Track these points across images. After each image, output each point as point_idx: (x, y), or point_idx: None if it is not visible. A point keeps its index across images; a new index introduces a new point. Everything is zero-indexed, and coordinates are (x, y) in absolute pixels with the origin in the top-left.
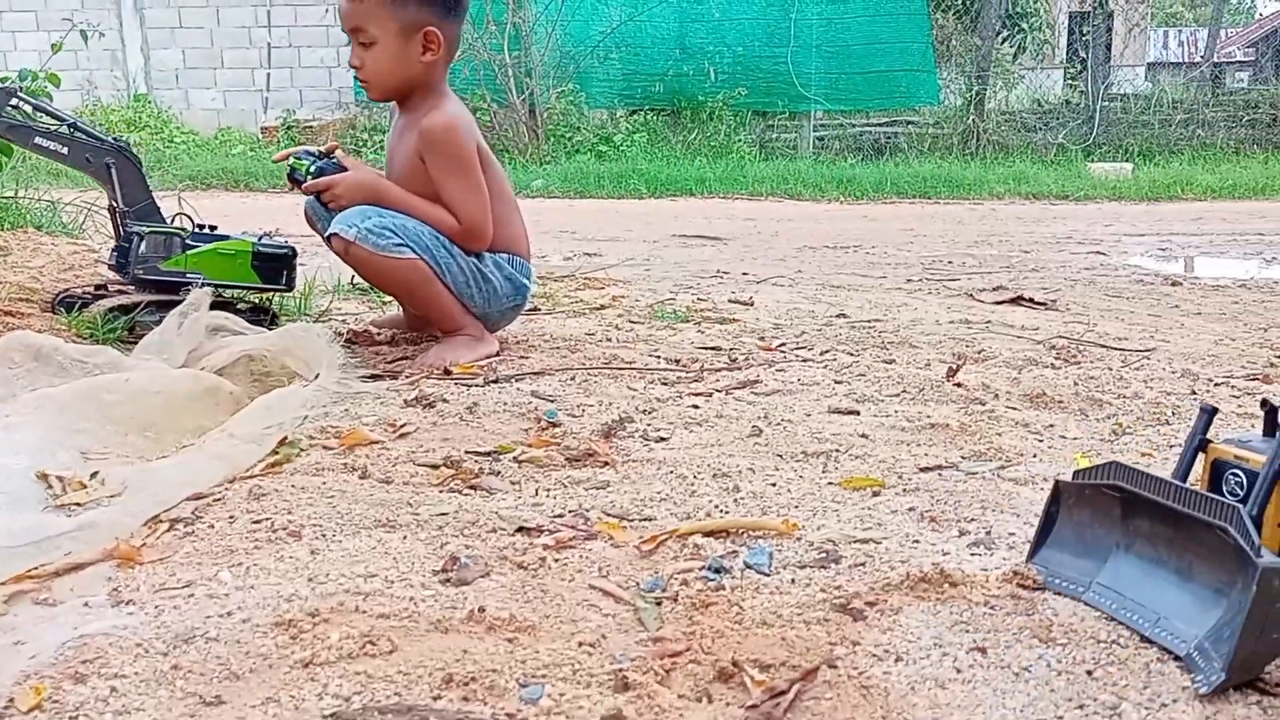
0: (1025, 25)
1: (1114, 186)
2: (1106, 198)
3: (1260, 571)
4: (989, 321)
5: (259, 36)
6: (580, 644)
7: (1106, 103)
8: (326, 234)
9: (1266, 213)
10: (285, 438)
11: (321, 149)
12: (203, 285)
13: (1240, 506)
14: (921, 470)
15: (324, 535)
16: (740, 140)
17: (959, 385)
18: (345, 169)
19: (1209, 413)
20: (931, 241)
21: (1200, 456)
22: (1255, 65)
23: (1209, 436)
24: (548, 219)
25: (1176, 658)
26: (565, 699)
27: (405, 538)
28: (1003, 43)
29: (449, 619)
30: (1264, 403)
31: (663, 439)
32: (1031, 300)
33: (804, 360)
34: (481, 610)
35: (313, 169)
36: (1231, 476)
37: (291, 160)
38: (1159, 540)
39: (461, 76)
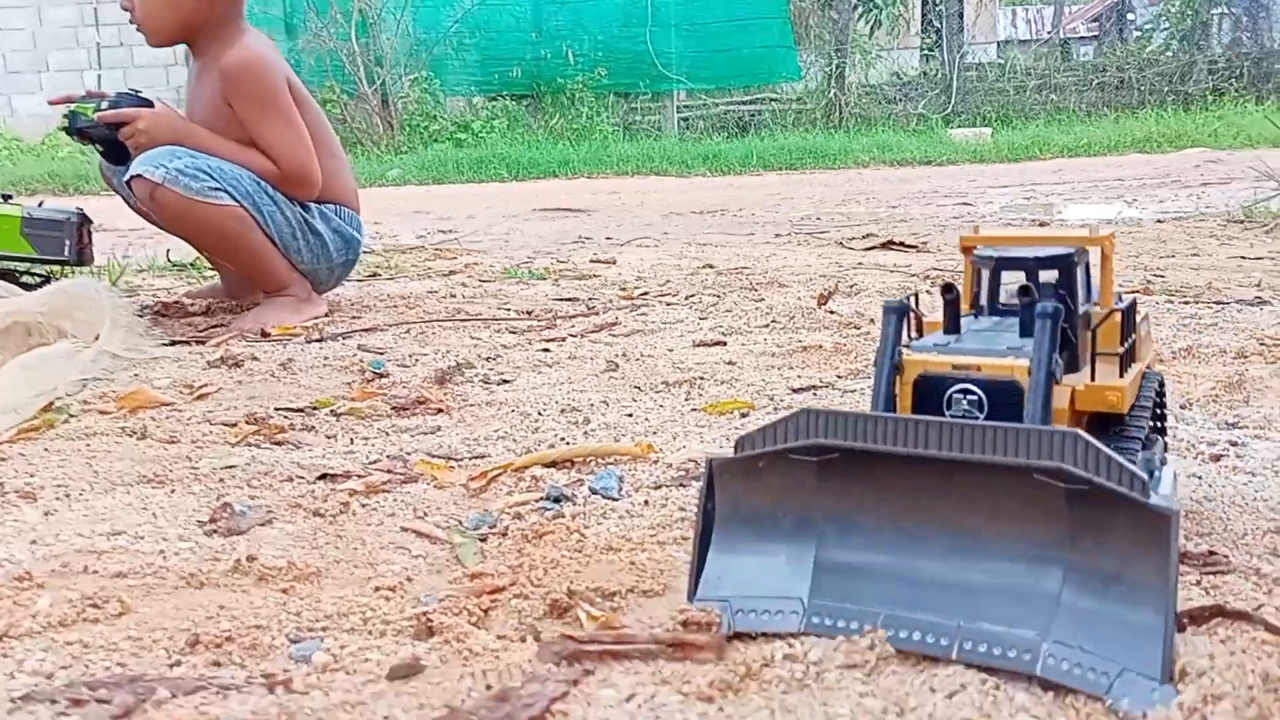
0: (880, 1)
1: (975, 150)
2: (969, 160)
3: (1173, 516)
4: (860, 263)
5: (87, 36)
6: (377, 589)
7: (963, 72)
8: (127, 177)
9: (1121, 164)
10: (51, 403)
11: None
12: None
13: (1079, 432)
14: (794, 391)
15: (67, 496)
16: (603, 122)
17: (832, 313)
18: (149, 103)
19: (897, 312)
20: (799, 203)
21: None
22: (1098, 39)
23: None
24: (401, 204)
25: (1027, 678)
26: (348, 653)
27: (174, 492)
28: (859, 19)
29: (206, 572)
30: (947, 287)
31: (506, 382)
32: (902, 244)
33: (668, 304)
34: (250, 559)
35: (104, 106)
36: (960, 396)
37: (75, 105)
38: (906, 513)
39: (307, 66)
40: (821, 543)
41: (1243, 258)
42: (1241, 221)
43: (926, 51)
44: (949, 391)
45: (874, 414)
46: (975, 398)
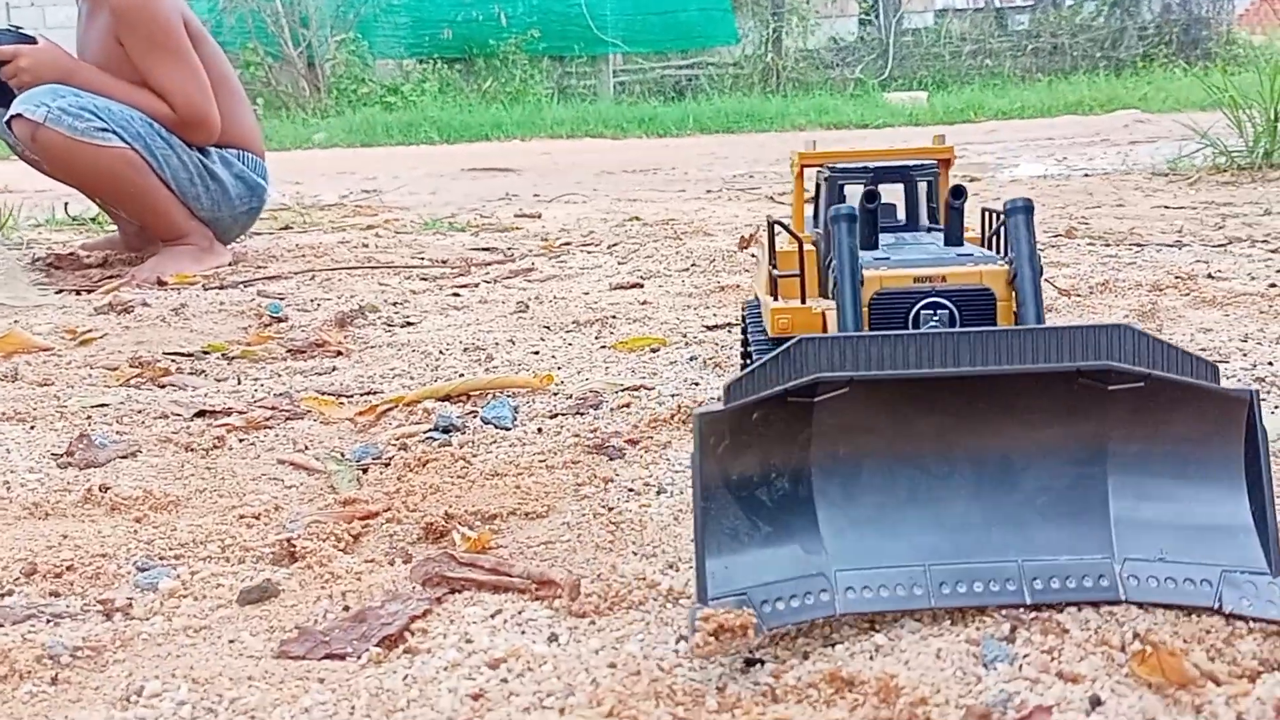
0: None
1: (911, 114)
2: (904, 123)
3: (1253, 396)
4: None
5: None
6: (241, 517)
7: (900, 37)
8: (6, 118)
9: (1054, 125)
10: None
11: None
12: None
13: (1130, 324)
14: (708, 328)
15: None
16: (537, 85)
17: (754, 256)
18: (32, 40)
19: (848, 219)
20: (734, 163)
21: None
22: (1033, 8)
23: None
24: (326, 165)
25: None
26: (199, 579)
27: (34, 429)
28: None
29: (54, 502)
30: (869, 195)
31: (410, 324)
32: None
33: (588, 253)
34: (104, 489)
35: None
36: (929, 312)
37: None
38: (920, 447)
39: (228, 27)
40: (826, 500)
41: (1165, 207)
42: (1166, 175)
43: (864, 17)
44: (915, 309)
45: (886, 335)
46: (946, 312)
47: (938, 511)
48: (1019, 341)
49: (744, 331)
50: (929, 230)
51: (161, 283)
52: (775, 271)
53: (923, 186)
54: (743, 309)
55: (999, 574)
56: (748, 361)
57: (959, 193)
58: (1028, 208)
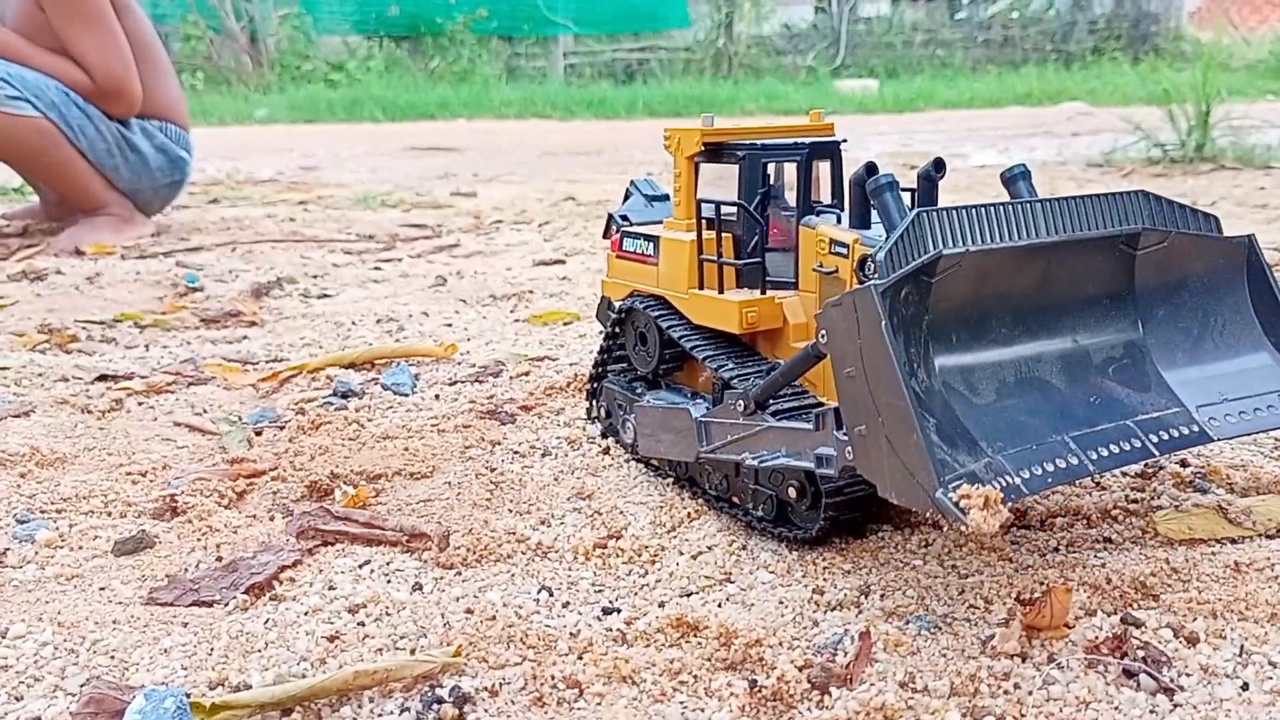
0: None
1: (861, 102)
2: (854, 111)
3: (1250, 239)
4: None
5: None
6: (127, 474)
7: (852, 25)
8: None
9: (1000, 116)
10: None
11: None
12: None
13: (1145, 190)
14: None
15: None
16: (485, 65)
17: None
18: None
19: (889, 187)
20: None
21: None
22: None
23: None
24: (264, 142)
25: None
26: (77, 531)
27: None
28: None
29: None
30: (869, 167)
31: (327, 296)
32: None
33: (517, 230)
34: None
35: None
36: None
37: None
38: (1017, 323)
39: None
40: (955, 395)
41: None
42: (1100, 166)
43: (819, 6)
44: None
45: (989, 204)
46: None
47: (1044, 390)
48: (1076, 209)
49: (611, 336)
50: (830, 209)
51: (79, 252)
52: (728, 261)
53: (827, 165)
54: (610, 308)
55: (1122, 434)
56: (618, 373)
57: (939, 165)
58: (1025, 172)
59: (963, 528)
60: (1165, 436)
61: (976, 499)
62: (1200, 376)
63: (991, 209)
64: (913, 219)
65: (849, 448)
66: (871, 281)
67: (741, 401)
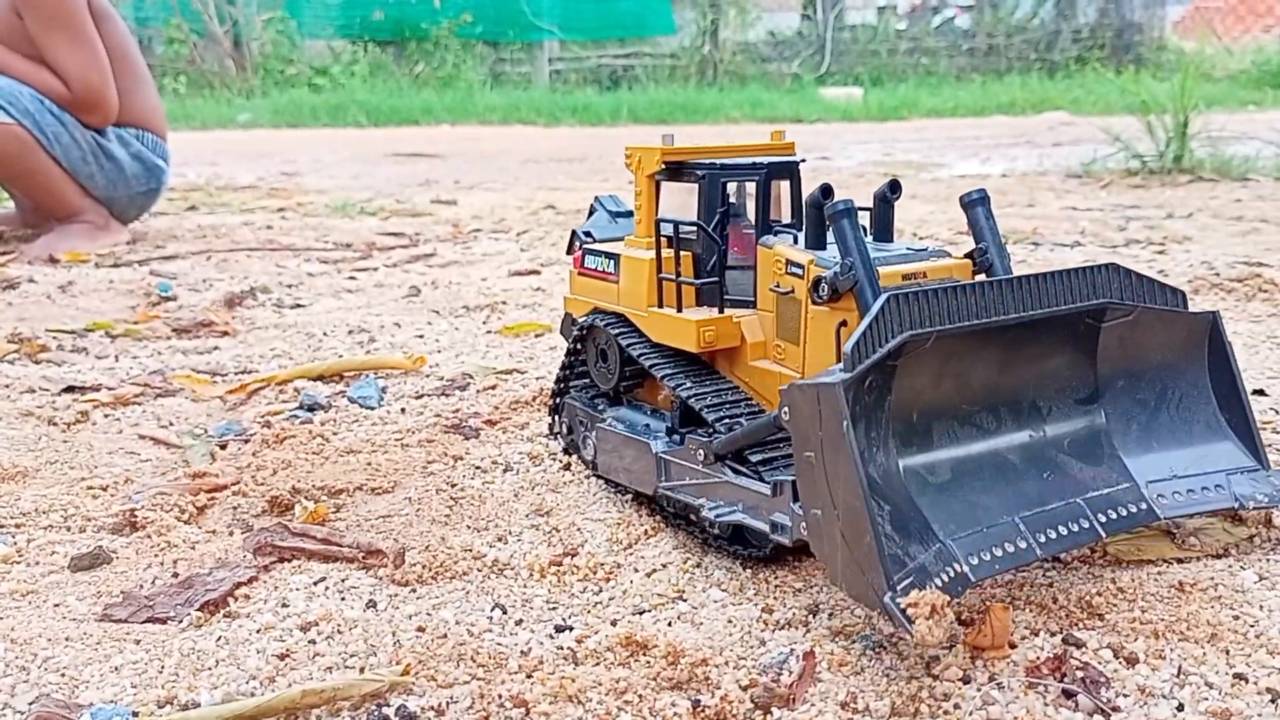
0: None
1: (845, 109)
2: (838, 119)
3: (1215, 316)
4: None
5: None
6: (89, 489)
7: (838, 32)
8: None
9: (982, 125)
10: None
11: None
12: None
13: (1117, 263)
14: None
15: None
16: (469, 70)
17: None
18: None
19: (849, 213)
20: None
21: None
22: (974, 9)
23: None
24: (246, 147)
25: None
26: (34, 546)
27: None
28: None
29: None
30: (825, 190)
31: (300, 306)
32: None
33: (495, 239)
34: None
35: None
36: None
37: None
38: (975, 400)
39: (150, 1)
40: (913, 476)
41: (1074, 209)
42: (1079, 177)
43: (805, 14)
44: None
45: (954, 284)
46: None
47: (1000, 466)
48: (1043, 286)
49: (573, 353)
50: (787, 229)
51: (53, 260)
52: (688, 281)
53: (787, 184)
54: (574, 325)
55: (1071, 514)
56: (581, 390)
57: (895, 187)
58: (983, 199)
59: (908, 636)
60: (1113, 515)
61: (923, 607)
62: (1153, 452)
63: (961, 290)
64: (882, 305)
65: (804, 523)
66: (838, 375)
67: (702, 451)
